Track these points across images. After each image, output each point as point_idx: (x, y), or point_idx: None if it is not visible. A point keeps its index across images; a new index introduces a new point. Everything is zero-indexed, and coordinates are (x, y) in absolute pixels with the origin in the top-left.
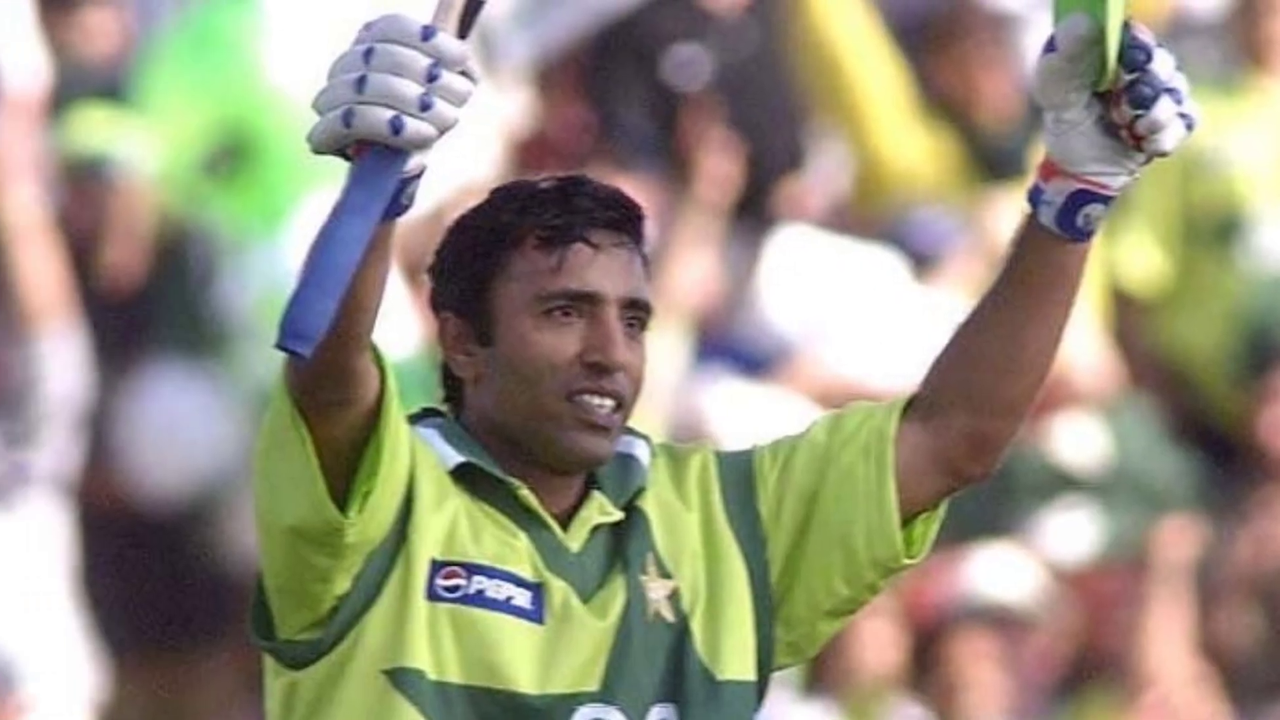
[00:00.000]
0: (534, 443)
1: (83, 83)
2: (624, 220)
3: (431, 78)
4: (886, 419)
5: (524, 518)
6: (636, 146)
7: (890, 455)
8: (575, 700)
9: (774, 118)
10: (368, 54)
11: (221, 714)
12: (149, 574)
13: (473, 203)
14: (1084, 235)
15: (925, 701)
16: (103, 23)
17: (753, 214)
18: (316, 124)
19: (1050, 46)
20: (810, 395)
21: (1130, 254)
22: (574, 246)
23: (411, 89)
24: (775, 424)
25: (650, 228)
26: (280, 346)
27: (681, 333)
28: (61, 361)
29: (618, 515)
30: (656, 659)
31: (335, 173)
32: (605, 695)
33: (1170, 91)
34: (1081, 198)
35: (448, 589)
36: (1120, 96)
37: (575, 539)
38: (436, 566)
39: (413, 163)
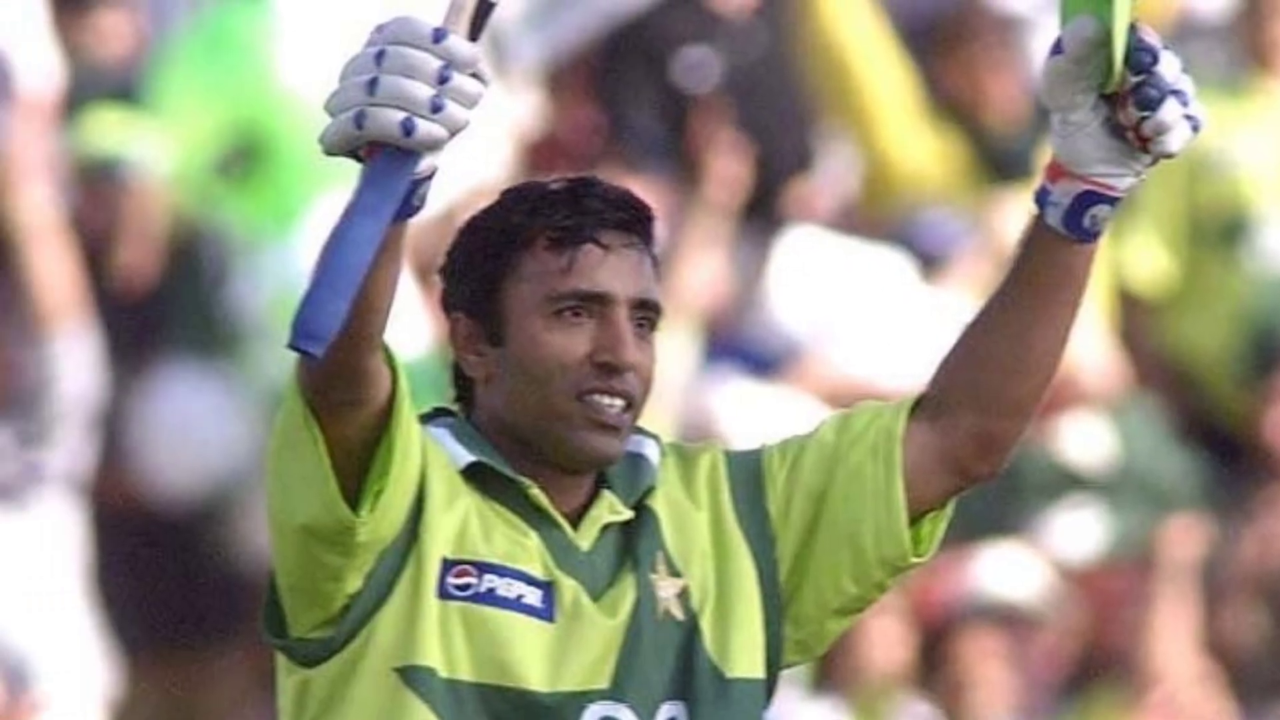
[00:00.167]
0: (544, 442)
1: (96, 84)
2: (634, 221)
3: (443, 80)
4: (894, 419)
5: (534, 517)
6: (646, 148)
7: (898, 454)
8: (585, 698)
9: (783, 119)
10: (379, 56)
11: (234, 711)
12: (162, 573)
13: (483, 204)
14: (1091, 236)
15: (933, 699)
16: (116, 25)
17: (762, 215)
18: (328, 125)
19: (1057, 49)
20: (819, 395)
21: (1136, 255)
22: (584, 247)
23: (423, 91)
24: (784, 424)
25: (660, 229)
26: (292, 347)
27: (691, 333)
28: (75, 361)
29: (628, 514)
30: (666, 657)
31: (347, 174)
32: (615, 693)
33: (1176, 93)
34: (1088, 199)
35: (459, 587)
36: (1127, 98)
37: (585, 538)
38: (448, 565)
39: (424, 164)
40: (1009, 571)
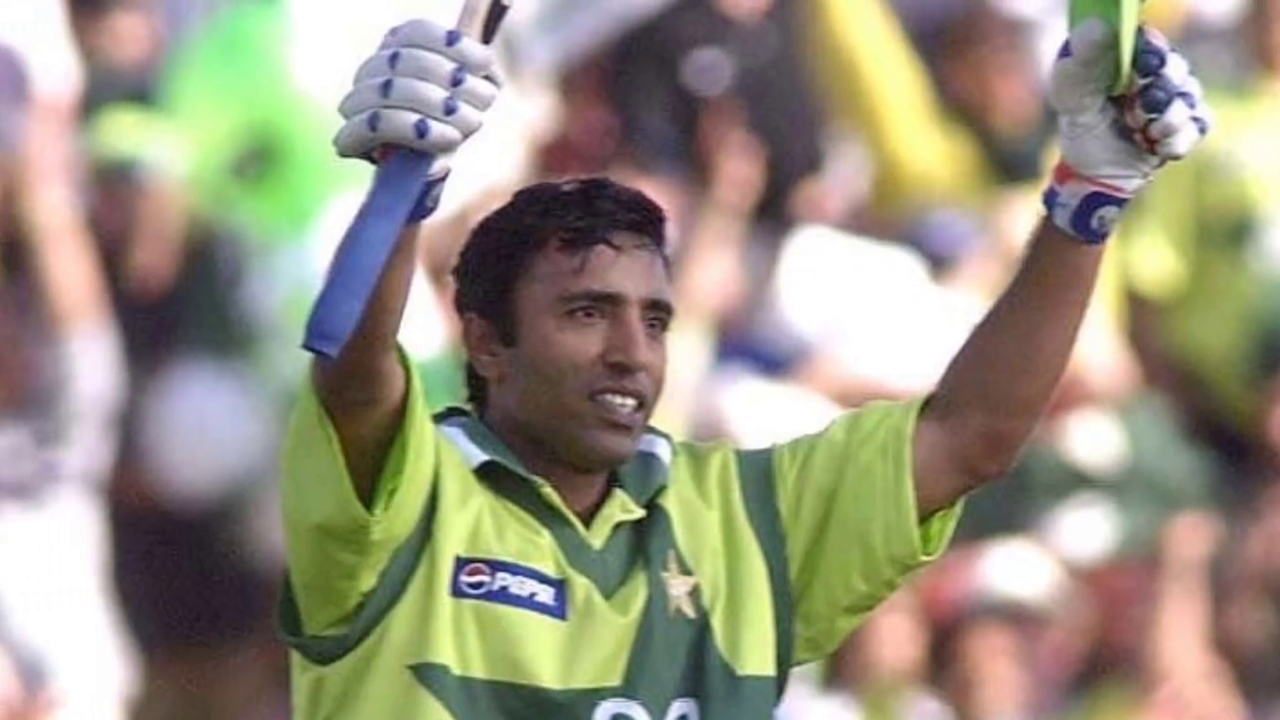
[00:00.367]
0: (557, 441)
1: (112, 87)
2: (645, 222)
3: (456, 82)
4: (904, 418)
5: (547, 515)
6: (658, 150)
7: (908, 454)
8: (598, 695)
9: (793, 121)
10: (393, 59)
11: (249, 708)
12: (178, 571)
13: (496, 205)
14: (1098, 237)
15: (942, 696)
16: (132, 27)
17: (772, 216)
18: (343, 127)
19: (1065, 51)
20: (829, 395)
21: (1144, 256)
22: (596, 248)
23: (436, 93)
24: (794, 423)
25: (671, 230)
26: (307, 347)
27: (702, 333)
28: (91, 361)
29: (639, 513)
30: (678, 654)
31: (361, 175)
32: (627, 690)
33: (1183, 96)
34: (1096, 200)
35: (472, 585)
36: (1134, 101)
37: (597, 536)
38: (461, 563)
39: (437, 166)
40: (1017, 570)
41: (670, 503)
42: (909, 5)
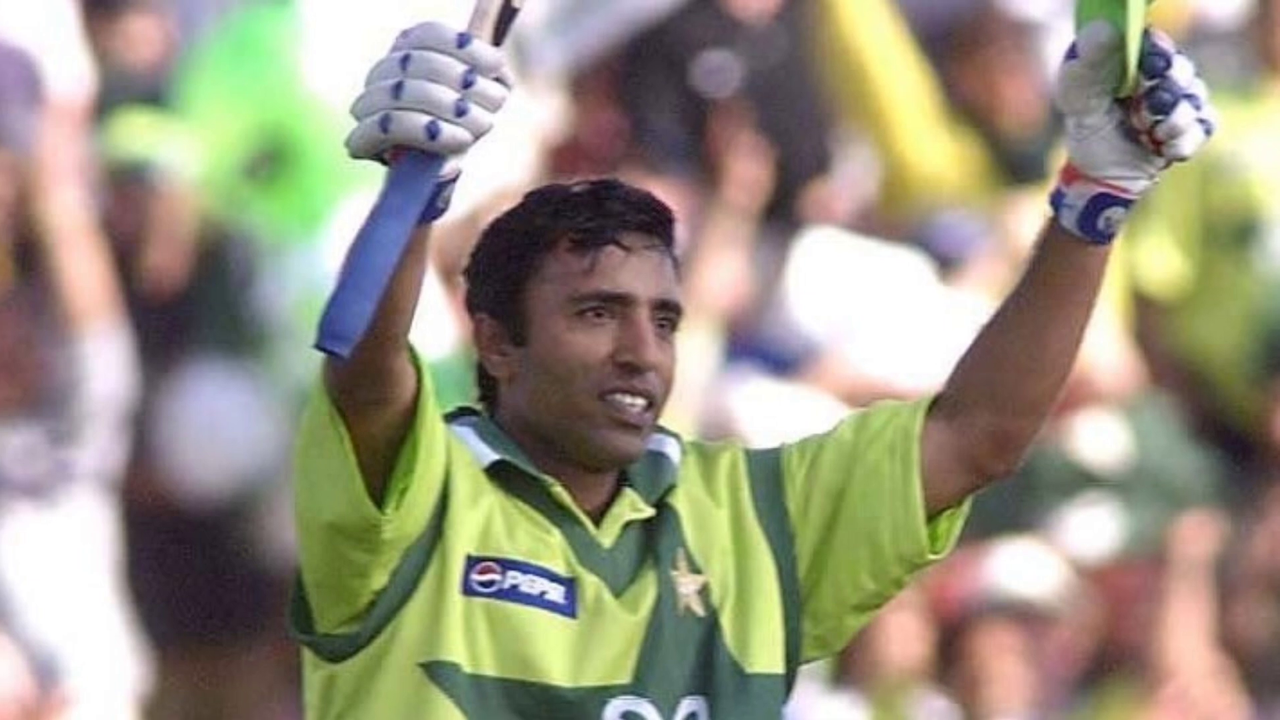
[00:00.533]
0: (567, 440)
1: (125, 89)
2: (655, 223)
3: (467, 84)
4: (912, 418)
5: (557, 514)
6: (667, 151)
7: (915, 453)
8: (607, 693)
9: (802, 123)
10: (404, 61)
11: (261, 706)
12: (190, 569)
13: (507, 206)
14: (1105, 238)
15: (949, 694)
16: (145, 30)
17: (781, 217)
18: (354, 129)
19: (1072, 53)
20: (837, 394)
21: (1150, 256)
22: (606, 249)
23: (447, 95)
24: (803, 423)
25: (680, 230)
26: (319, 347)
27: (711, 333)
28: (105, 361)
29: (649, 512)
30: (687, 652)
31: (373, 177)
32: (637, 688)
33: (1189, 97)
34: (1102, 201)
35: (483, 584)
36: (1140, 102)
37: (607, 535)
38: (472, 562)
39: (448, 167)
40: (1025, 568)
41: (680, 502)
42: (917, 7)
